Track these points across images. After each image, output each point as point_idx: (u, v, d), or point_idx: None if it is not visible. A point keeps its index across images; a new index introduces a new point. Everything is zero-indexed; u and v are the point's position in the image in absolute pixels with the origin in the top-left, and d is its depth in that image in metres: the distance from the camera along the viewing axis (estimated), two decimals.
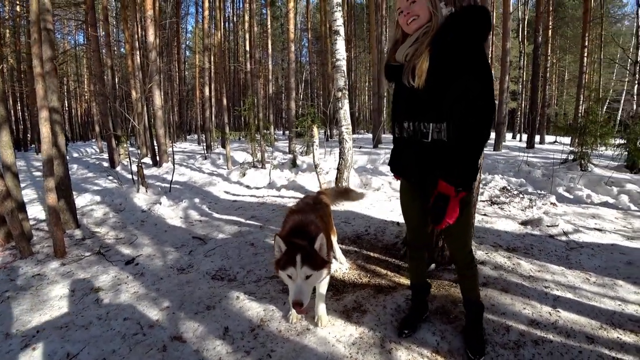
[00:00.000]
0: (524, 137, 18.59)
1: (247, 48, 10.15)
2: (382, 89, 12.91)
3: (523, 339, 1.73)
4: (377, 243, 3.07)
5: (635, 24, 14.15)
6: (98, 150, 15.62)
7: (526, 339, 1.73)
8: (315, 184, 5.69)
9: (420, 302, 1.91)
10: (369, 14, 20.18)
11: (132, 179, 5.86)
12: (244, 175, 6.98)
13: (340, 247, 2.70)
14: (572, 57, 24.72)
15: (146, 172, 5.91)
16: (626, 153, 7.49)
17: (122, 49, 15.98)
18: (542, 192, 5.12)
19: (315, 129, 5.05)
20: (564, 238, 3.09)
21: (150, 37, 7.41)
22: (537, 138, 14.62)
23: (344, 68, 5.17)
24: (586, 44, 12.77)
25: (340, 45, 5.18)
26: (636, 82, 13.06)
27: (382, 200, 4.62)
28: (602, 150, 7.74)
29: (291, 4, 10.40)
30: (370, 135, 16.05)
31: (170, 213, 4.24)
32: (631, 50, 15.66)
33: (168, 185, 5.59)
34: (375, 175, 6.28)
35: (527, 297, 2.10)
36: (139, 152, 9.25)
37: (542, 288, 2.20)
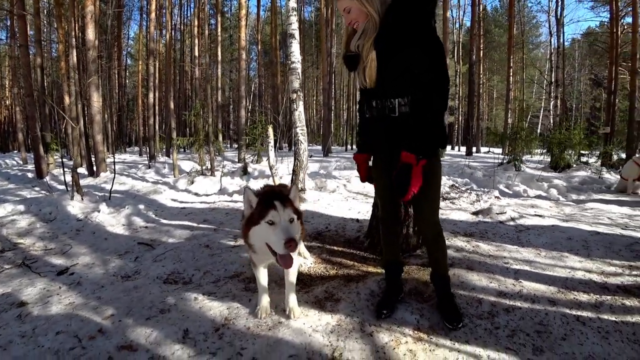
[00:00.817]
0: (462, 148, 20.30)
1: (196, 54, 9.73)
2: (332, 101, 13.25)
3: (495, 309, 1.77)
4: (339, 238, 3.01)
5: (549, 51, 16.48)
6: (22, 162, 13.61)
7: (498, 309, 1.77)
8: None
9: (394, 282, 1.86)
10: (318, 29, 20.88)
11: (65, 187, 5.16)
12: (192, 182, 6.53)
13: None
14: (499, 78, 27.84)
15: (81, 182, 5.21)
16: (549, 157, 8.51)
17: (53, 52, 14.43)
18: (486, 189, 5.55)
19: (270, 129, 4.92)
20: (512, 223, 3.31)
21: (90, 34, 6.70)
22: (474, 148, 16.02)
23: (299, 70, 5.17)
24: (511, 65, 14.47)
25: (295, 48, 5.18)
26: (551, 99, 15.18)
27: (338, 201, 4.61)
28: (529, 157, 8.73)
29: (243, 12, 10.32)
30: (319, 147, 16.27)
31: (111, 220, 3.76)
32: (546, 72, 18.16)
33: (107, 194, 5.00)
34: (329, 178, 6.29)
35: (491, 272, 2.17)
36: (73, 161, 8.21)
37: (503, 264, 2.30)
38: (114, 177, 5.43)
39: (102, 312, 1.84)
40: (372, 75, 1.54)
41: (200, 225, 3.61)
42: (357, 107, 1.89)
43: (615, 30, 10.30)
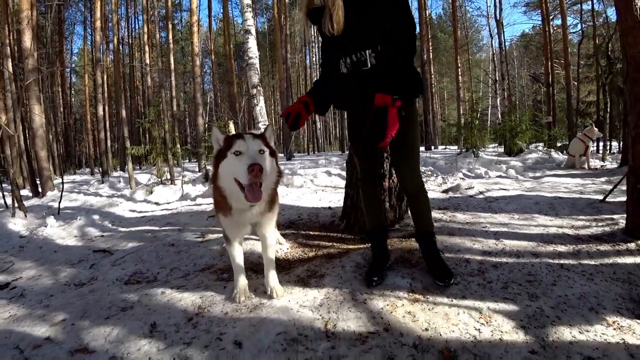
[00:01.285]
0: (421, 148, 21.17)
1: (147, 61, 9.25)
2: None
3: (484, 266, 1.74)
4: (314, 224, 2.89)
5: (491, 52, 17.77)
6: None
7: (486, 266, 1.75)
8: None
9: (381, 250, 1.78)
10: (272, 39, 20.96)
11: (5, 205, 4.54)
12: (151, 192, 6.07)
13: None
14: (449, 79, 29.58)
15: (25, 203, 4.61)
16: (502, 148, 9.07)
17: None
18: (450, 174, 5.74)
19: (232, 125, 4.74)
20: (481, 196, 3.41)
21: (27, 42, 6.02)
22: (432, 146, 16.76)
23: (257, 65, 5.07)
24: (459, 65, 15.40)
25: (252, 44, 5.09)
26: (497, 95, 16.34)
27: (307, 194, 4.51)
28: (483, 149, 9.26)
29: (194, 18, 10.05)
30: (281, 154, 16.14)
31: (61, 233, 3.33)
32: (491, 72, 19.56)
33: (55, 210, 4.48)
34: (295, 175, 6.17)
35: (472, 236, 2.17)
36: (11, 184, 7.31)
37: (481, 228, 2.31)
38: (62, 192, 4.88)
39: (51, 319, 1.56)
40: (340, 20, 1.46)
41: (163, 228, 3.31)
42: (319, 66, 1.82)
43: (547, 29, 11.37)
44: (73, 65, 20.47)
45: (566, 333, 1.21)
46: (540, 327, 1.25)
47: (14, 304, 1.81)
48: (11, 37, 7.73)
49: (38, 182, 6.95)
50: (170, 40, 10.81)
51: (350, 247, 2.19)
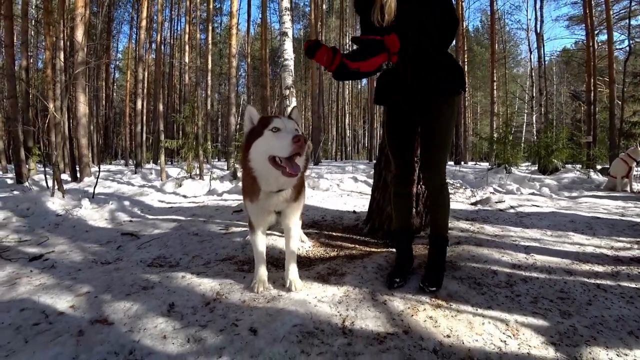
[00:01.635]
0: (450, 162, 20.62)
1: (186, 60, 9.68)
2: (322, 109, 13.33)
3: (512, 279, 1.65)
4: (337, 226, 2.86)
5: (529, 67, 17.16)
6: (1, 171, 12.99)
7: (515, 279, 1.65)
8: None
9: (405, 252, 1.73)
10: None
11: (46, 186, 4.85)
12: (180, 185, 6.28)
13: None
14: (483, 94, 28.77)
15: (64, 186, 4.93)
16: (535, 166, 8.65)
17: (39, 63, 14.08)
18: (479, 188, 5.52)
19: (249, 111, 4.83)
20: (512, 211, 3.25)
21: (79, 36, 6.50)
22: (461, 162, 16.27)
23: (292, 67, 5.15)
24: (495, 79, 14.95)
25: (288, 45, 5.18)
26: (534, 112, 15.69)
27: (333, 197, 4.48)
28: (515, 168, 8.90)
29: (234, 21, 10.41)
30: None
31: (94, 215, 3.51)
32: (527, 88, 18.86)
33: (91, 193, 4.73)
34: (321, 179, 6.17)
35: (501, 248, 2.06)
36: (53, 166, 7.83)
37: (511, 242, 2.20)
38: (98, 178, 5.15)
39: (76, 290, 1.63)
40: (392, 11, 1.45)
41: (189, 219, 3.40)
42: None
43: (591, 44, 10.81)
44: (117, 62, 21.79)
45: (602, 354, 1.11)
46: (573, 346, 1.16)
47: (45, 274, 1.91)
48: (65, 32, 8.34)
49: (77, 168, 7.40)
50: (210, 42, 11.24)
51: (373, 249, 2.15)
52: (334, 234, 2.59)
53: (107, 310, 1.43)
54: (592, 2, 11.60)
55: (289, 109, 1.49)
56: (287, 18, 5.12)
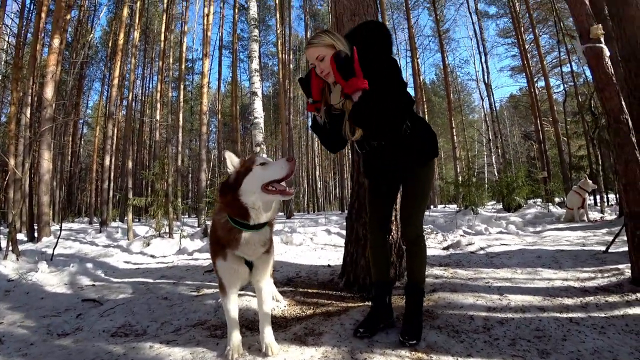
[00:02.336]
0: None
1: (157, 117, 9.77)
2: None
3: (489, 323, 1.67)
4: (312, 282, 2.81)
5: (483, 113, 18.84)
6: None
7: (491, 322, 1.68)
8: None
9: (381, 304, 1.72)
10: (276, 102, 22.38)
11: None
12: (148, 245, 5.97)
13: None
14: (444, 139, 30.77)
15: (20, 247, 4.56)
16: (500, 204, 9.15)
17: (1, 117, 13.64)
18: (449, 232, 5.69)
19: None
20: (482, 252, 3.37)
21: (48, 93, 6.44)
22: (431, 206, 16.85)
23: (262, 125, 5.31)
24: (453, 126, 16.19)
25: (258, 104, 5.39)
26: (492, 154, 16.93)
27: (306, 252, 4.44)
28: (481, 208, 9.36)
29: (205, 80, 10.86)
30: (281, 213, 16.17)
31: (52, 279, 3.22)
32: (484, 132, 20.49)
33: (50, 254, 4.38)
34: (295, 233, 6.13)
35: (475, 292, 2.10)
36: (9, 226, 7.23)
37: (484, 284, 2.25)
38: (58, 238, 4.81)
39: None
40: (359, 132, 1.60)
41: (157, 281, 3.21)
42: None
43: (532, 90, 12.20)
44: (87, 118, 21.54)
45: None
46: None
47: None
48: (33, 88, 8.29)
49: (36, 227, 6.90)
50: (181, 100, 11.54)
51: (350, 305, 2.11)
52: (309, 290, 2.53)
53: None
54: (528, 55, 13.32)
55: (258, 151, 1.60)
56: (256, 79, 5.42)
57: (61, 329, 2.04)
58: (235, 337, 1.54)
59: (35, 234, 6.71)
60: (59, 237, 4.73)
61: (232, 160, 1.47)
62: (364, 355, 1.44)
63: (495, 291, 2.08)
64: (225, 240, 1.46)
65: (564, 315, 1.68)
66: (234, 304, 1.56)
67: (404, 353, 1.44)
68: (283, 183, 1.41)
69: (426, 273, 2.57)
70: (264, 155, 5.15)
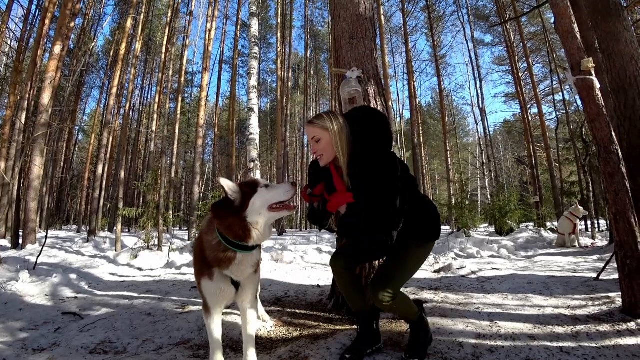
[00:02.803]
0: None
1: (154, 128, 9.78)
2: (287, 178, 13.65)
3: (478, 351, 1.64)
4: (300, 302, 2.76)
5: (477, 137, 19.17)
6: None
7: (481, 350, 1.65)
8: None
9: (369, 330, 1.67)
10: (274, 118, 22.61)
11: None
12: (135, 257, 5.85)
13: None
14: (439, 162, 31.16)
15: (2, 254, 4.42)
16: (492, 227, 9.18)
17: None
18: (442, 254, 5.67)
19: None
20: (473, 276, 3.34)
21: (45, 99, 6.42)
22: None
23: (257, 141, 5.37)
24: (448, 148, 16.41)
25: (254, 121, 5.47)
26: (485, 177, 17.13)
27: (297, 270, 4.39)
28: (474, 230, 9.38)
29: (203, 94, 10.97)
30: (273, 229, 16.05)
31: (32, 290, 3.11)
32: (478, 155, 20.80)
33: (33, 263, 4.25)
34: (285, 251, 6.06)
35: (465, 317, 2.07)
36: None
37: (475, 309, 2.23)
38: (43, 246, 4.68)
39: None
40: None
41: (142, 295, 3.12)
42: None
43: (526, 117, 12.50)
44: (83, 125, 21.46)
45: None
46: None
47: None
48: (31, 93, 8.27)
49: (21, 233, 6.73)
50: (179, 112, 11.62)
51: (338, 327, 2.06)
52: (297, 311, 2.47)
53: None
54: (522, 82, 13.72)
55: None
56: (254, 95, 5.51)
57: (37, 343, 1.96)
58: (218, 359, 1.49)
59: (20, 241, 6.54)
60: (43, 246, 4.61)
61: (228, 186, 1.45)
62: None
63: (486, 317, 2.06)
64: (215, 261, 1.43)
65: (555, 344, 1.66)
66: (218, 325, 1.52)
67: None
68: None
69: (416, 297, 2.56)
70: (258, 172, 5.17)
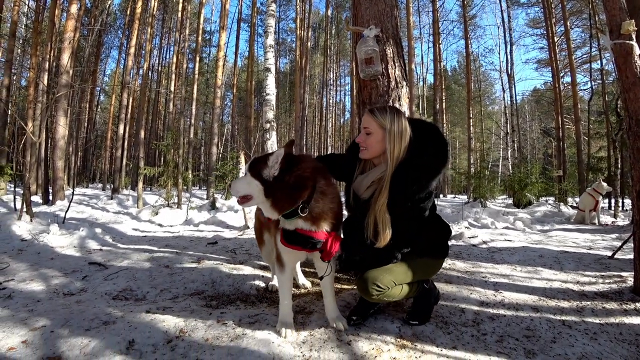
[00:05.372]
0: None
1: (172, 88, 9.77)
2: (304, 141, 13.55)
3: (479, 317, 1.67)
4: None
5: (503, 105, 18.21)
6: None
7: (482, 317, 1.67)
8: (238, 221, 5.36)
9: None
10: (292, 79, 22.07)
11: (14, 208, 4.64)
12: (156, 214, 6.14)
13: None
14: (461, 129, 30.06)
15: (34, 209, 4.74)
16: (510, 200, 8.97)
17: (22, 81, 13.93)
18: (455, 222, 5.63)
19: (242, 156, 4.86)
20: (484, 246, 3.33)
21: (65, 59, 6.49)
22: (440, 195, 16.62)
23: (273, 102, 5.27)
24: (471, 115, 15.72)
25: (271, 81, 5.34)
26: (509, 148, 16.49)
27: None
28: (491, 201, 9.17)
29: (221, 53, 10.74)
30: None
31: (62, 241, 3.36)
32: (502, 125, 19.89)
33: (62, 218, 4.54)
34: None
35: (470, 285, 2.10)
36: (24, 188, 7.50)
37: (481, 278, 2.24)
38: (71, 202, 4.98)
39: (32, 323, 1.53)
40: (387, 240, 1.40)
41: (162, 249, 3.31)
42: None
43: (557, 86, 11.68)
44: (103, 85, 21.73)
45: None
46: None
47: (0, 305, 1.80)
48: (52, 54, 8.34)
49: (50, 190, 7.14)
50: (197, 72, 11.50)
51: (344, 286, 2.13)
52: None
53: (63, 346, 1.36)
54: (557, 48, 12.67)
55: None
56: (270, 55, 5.33)
57: (67, 288, 2.14)
58: (289, 311, 1.57)
59: (50, 197, 6.95)
60: (70, 202, 4.89)
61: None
62: (350, 338, 1.47)
63: (491, 286, 2.07)
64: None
65: (557, 317, 1.66)
66: (289, 281, 1.62)
67: (389, 339, 1.46)
68: None
69: None
70: (274, 134, 5.14)
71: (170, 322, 1.57)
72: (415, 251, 1.52)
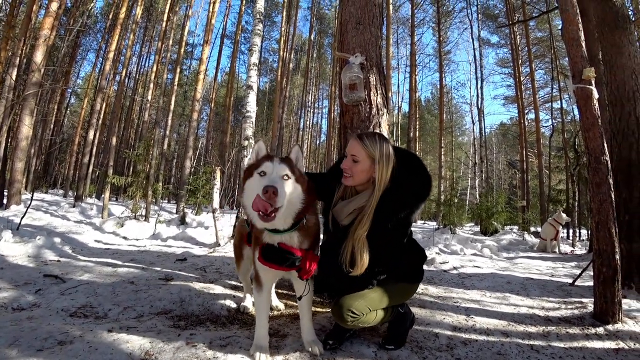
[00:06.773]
0: None
1: (149, 97, 9.54)
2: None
3: (453, 342, 1.70)
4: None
5: (472, 136, 19.28)
6: None
7: (455, 342, 1.70)
8: (208, 238, 5.20)
9: None
10: (272, 98, 22.29)
11: None
12: (122, 226, 5.83)
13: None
14: (432, 157, 31.27)
15: None
16: (478, 227, 9.36)
17: None
18: (426, 248, 5.78)
19: (218, 172, 4.78)
20: (455, 272, 3.42)
21: (38, 57, 6.19)
22: None
23: (253, 119, 5.28)
24: (442, 145, 16.48)
25: (252, 99, 5.37)
26: (476, 177, 17.33)
27: None
28: (460, 228, 9.53)
29: (202, 67, 10.72)
30: None
31: (15, 250, 3.09)
32: (471, 155, 20.95)
33: (16, 224, 4.19)
34: None
35: (443, 310, 2.13)
36: None
37: (453, 303, 2.29)
38: (28, 208, 4.62)
39: None
40: (363, 268, 1.39)
41: (126, 264, 3.12)
42: None
43: (522, 121, 12.60)
44: (76, 88, 20.83)
45: None
46: None
47: None
48: (24, 50, 7.93)
49: (5, 193, 6.61)
50: (176, 83, 11.35)
51: (318, 309, 2.10)
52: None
53: None
54: (522, 87, 13.76)
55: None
56: (253, 73, 5.39)
57: (17, 303, 1.96)
58: (264, 333, 1.50)
59: (4, 201, 6.43)
60: (28, 207, 4.55)
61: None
62: None
63: (463, 312, 2.12)
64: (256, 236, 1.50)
65: (526, 342, 1.72)
66: (266, 301, 1.58)
67: None
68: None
69: None
70: (252, 151, 5.15)
71: (135, 343, 1.46)
72: (391, 276, 1.53)
